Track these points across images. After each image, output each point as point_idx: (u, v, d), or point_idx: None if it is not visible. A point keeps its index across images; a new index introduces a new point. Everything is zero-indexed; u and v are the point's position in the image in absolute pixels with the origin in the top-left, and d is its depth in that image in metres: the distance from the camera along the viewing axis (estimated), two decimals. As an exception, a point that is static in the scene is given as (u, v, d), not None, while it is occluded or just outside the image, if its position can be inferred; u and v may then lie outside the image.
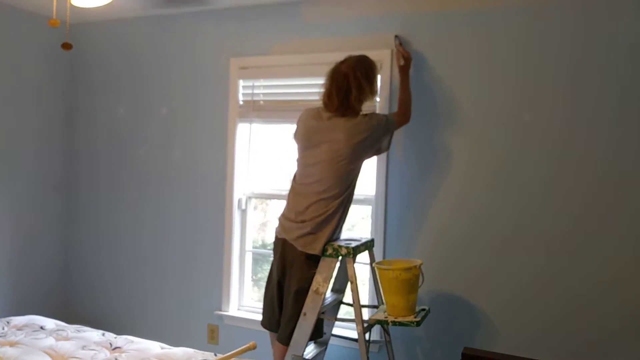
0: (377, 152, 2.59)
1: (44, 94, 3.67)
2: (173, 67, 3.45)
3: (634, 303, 2.40)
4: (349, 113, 2.45)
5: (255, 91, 3.21)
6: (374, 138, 2.48)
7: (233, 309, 3.28)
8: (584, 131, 2.47)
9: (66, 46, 2.02)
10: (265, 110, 3.19)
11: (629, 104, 2.40)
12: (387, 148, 2.60)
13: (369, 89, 2.46)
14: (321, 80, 2.96)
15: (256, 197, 3.35)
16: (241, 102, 3.24)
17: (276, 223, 2.60)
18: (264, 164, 3.33)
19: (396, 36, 2.63)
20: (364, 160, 2.53)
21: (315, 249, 2.43)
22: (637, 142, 2.39)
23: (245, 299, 3.33)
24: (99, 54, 3.71)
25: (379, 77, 2.60)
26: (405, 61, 2.69)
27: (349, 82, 2.40)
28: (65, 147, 3.81)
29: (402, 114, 2.65)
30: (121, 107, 3.64)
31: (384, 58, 2.78)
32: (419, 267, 2.36)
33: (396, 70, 2.75)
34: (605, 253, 2.45)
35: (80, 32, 3.71)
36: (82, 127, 3.79)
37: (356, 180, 2.53)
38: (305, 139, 2.50)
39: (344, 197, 2.46)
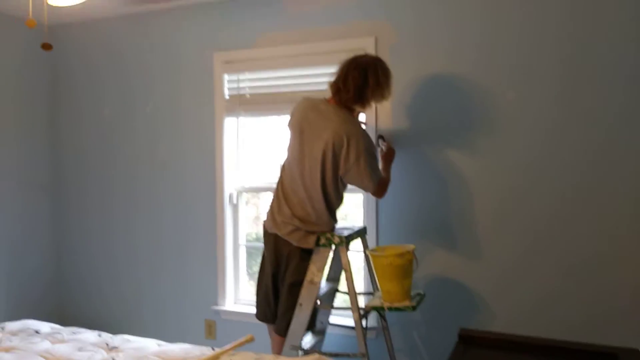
0: (355, 178, 2.40)
1: (26, 95, 3.64)
2: (156, 65, 3.43)
3: (626, 278, 2.43)
4: (352, 109, 2.43)
5: (241, 85, 3.19)
6: (356, 151, 2.33)
7: (229, 304, 3.28)
8: (579, 111, 2.47)
9: (46, 47, 2.00)
10: (252, 104, 3.18)
11: (625, 88, 2.41)
12: (371, 189, 2.46)
13: (386, 87, 2.41)
14: (307, 71, 3.01)
15: (247, 191, 3.34)
16: (227, 97, 3.22)
17: (266, 216, 2.59)
18: (254, 157, 3.32)
19: (380, 136, 2.74)
20: (339, 172, 2.39)
21: (310, 244, 2.43)
22: (629, 125, 2.40)
23: (242, 293, 3.33)
24: (81, 55, 3.68)
25: None
26: (388, 152, 2.67)
27: (367, 74, 2.36)
28: (51, 147, 3.78)
29: (380, 186, 2.51)
30: (106, 107, 3.61)
31: (367, 45, 2.77)
32: (412, 252, 2.37)
33: (380, 56, 2.75)
34: (596, 229, 2.47)
35: (61, 33, 3.68)
36: (67, 128, 3.76)
37: (343, 189, 2.49)
38: (298, 130, 2.46)
39: (331, 199, 2.43)
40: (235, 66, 3.17)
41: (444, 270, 2.75)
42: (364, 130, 2.46)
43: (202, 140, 3.30)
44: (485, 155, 2.65)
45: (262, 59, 3.10)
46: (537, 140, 2.55)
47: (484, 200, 2.66)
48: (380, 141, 2.72)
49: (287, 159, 2.53)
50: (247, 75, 3.18)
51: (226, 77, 3.21)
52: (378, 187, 2.48)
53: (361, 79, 2.36)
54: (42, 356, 2.16)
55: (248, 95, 3.19)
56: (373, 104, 2.53)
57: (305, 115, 2.47)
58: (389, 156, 2.68)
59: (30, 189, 3.67)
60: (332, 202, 2.45)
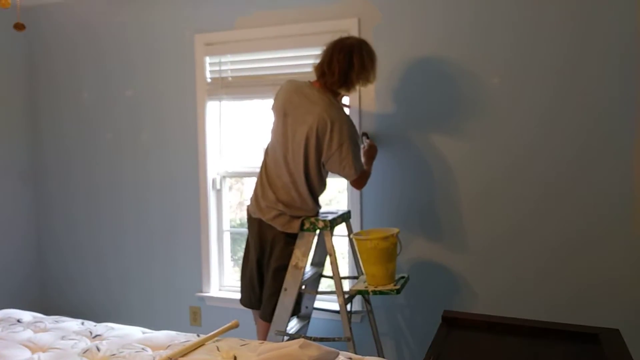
0: (337, 165, 2.36)
1: (1, 79, 3.54)
2: (136, 47, 3.36)
3: (605, 259, 2.47)
4: (337, 92, 2.41)
5: (223, 67, 3.14)
6: (339, 137, 2.31)
7: (214, 290, 3.27)
8: (568, 99, 2.48)
9: (19, 27, 1.94)
10: (234, 87, 3.13)
11: (614, 80, 2.42)
12: (352, 177, 2.42)
13: (372, 70, 2.39)
14: (290, 53, 2.96)
15: (230, 176, 3.31)
16: (209, 80, 3.17)
17: (249, 201, 2.57)
18: (237, 141, 3.28)
19: (364, 133, 2.74)
20: (322, 158, 2.37)
21: (294, 228, 2.42)
22: (614, 118, 2.42)
23: (226, 279, 3.32)
24: (58, 37, 3.59)
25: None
26: (370, 149, 2.65)
27: (353, 57, 2.33)
28: (28, 134, 3.70)
29: (360, 177, 2.48)
30: (85, 91, 3.54)
31: (351, 26, 2.74)
32: (396, 235, 2.37)
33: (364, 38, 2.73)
34: (578, 213, 2.50)
35: (37, 14, 3.58)
36: (46, 113, 3.68)
37: (325, 175, 2.47)
38: (282, 113, 2.43)
39: (313, 184, 2.42)
40: (216, 48, 3.12)
41: (427, 253, 2.77)
42: (348, 117, 2.44)
43: (184, 124, 3.25)
44: (470, 139, 2.65)
45: (244, 41, 3.05)
46: (523, 126, 2.55)
47: (467, 183, 2.67)
48: (364, 138, 2.71)
49: (271, 142, 2.51)
50: (229, 58, 3.13)
51: (207, 59, 3.16)
52: (358, 177, 2.45)
53: (346, 62, 2.33)
54: (24, 345, 2.14)
55: (230, 78, 3.14)
56: (358, 88, 2.51)
57: (289, 98, 2.44)
58: (371, 152, 2.66)
59: (8, 176, 3.59)
60: (315, 187, 2.43)
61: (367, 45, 2.41)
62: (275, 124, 2.47)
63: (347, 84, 2.38)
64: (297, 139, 2.36)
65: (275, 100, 2.51)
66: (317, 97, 2.38)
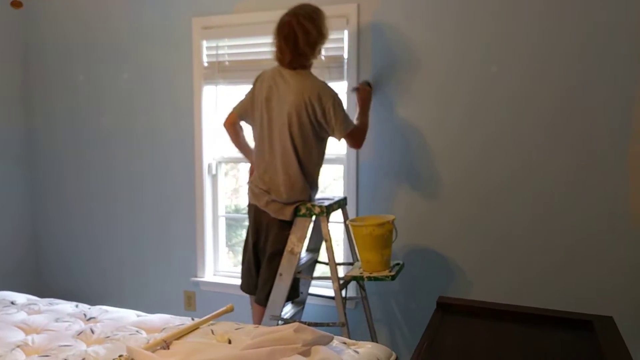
0: (328, 129, 2.42)
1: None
2: (132, 30, 3.32)
3: (603, 252, 2.48)
4: (304, 66, 2.44)
5: (220, 52, 3.11)
6: (320, 105, 2.36)
7: (209, 275, 3.27)
8: (546, 87, 2.48)
9: (16, 4, 1.91)
10: (232, 71, 3.11)
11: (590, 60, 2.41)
12: (338, 137, 2.44)
13: (316, 31, 2.40)
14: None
15: (226, 162, 3.29)
16: (206, 64, 3.14)
17: (247, 188, 2.58)
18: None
19: (366, 82, 2.72)
20: (313, 132, 2.41)
21: (286, 215, 2.43)
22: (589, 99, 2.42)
23: (221, 264, 3.32)
24: (54, 20, 3.54)
25: (328, 23, 2.47)
26: (361, 91, 2.63)
27: (293, 29, 2.37)
28: (23, 118, 3.66)
29: (356, 135, 2.53)
30: (80, 74, 3.50)
31: (350, 12, 2.72)
32: (392, 222, 2.37)
33: (363, 23, 2.73)
34: (577, 206, 2.50)
35: (31, -4, 3.53)
36: (41, 98, 3.64)
37: (319, 152, 2.48)
38: (265, 99, 2.45)
39: (304, 162, 2.42)
40: (214, 32, 3.09)
41: (423, 240, 2.77)
42: (323, 82, 2.45)
43: (180, 108, 3.23)
44: (471, 127, 2.64)
45: (241, 25, 3.02)
46: (526, 116, 2.54)
47: (465, 172, 2.67)
48: (364, 84, 2.70)
49: (254, 128, 2.53)
50: (227, 42, 3.10)
51: (205, 43, 3.13)
52: (351, 137, 2.47)
53: (291, 38, 2.38)
54: (18, 327, 2.13)
55: (227, 63, 3.11)
56: (319, 45, 2.46)
57: (268, 85, 2.46)
58: (363, 96, 2.64)
59: (3, 161, 3.56)
60: (308, 167, 2.44)
61: (304, 7, 2.43)
62: (260, 114, 2.48)
63: (304, 56, 2.41)
64: (282, 119, 2.39)
65: (253, 86, 2.54)
66: (289, 75, 2.42)
